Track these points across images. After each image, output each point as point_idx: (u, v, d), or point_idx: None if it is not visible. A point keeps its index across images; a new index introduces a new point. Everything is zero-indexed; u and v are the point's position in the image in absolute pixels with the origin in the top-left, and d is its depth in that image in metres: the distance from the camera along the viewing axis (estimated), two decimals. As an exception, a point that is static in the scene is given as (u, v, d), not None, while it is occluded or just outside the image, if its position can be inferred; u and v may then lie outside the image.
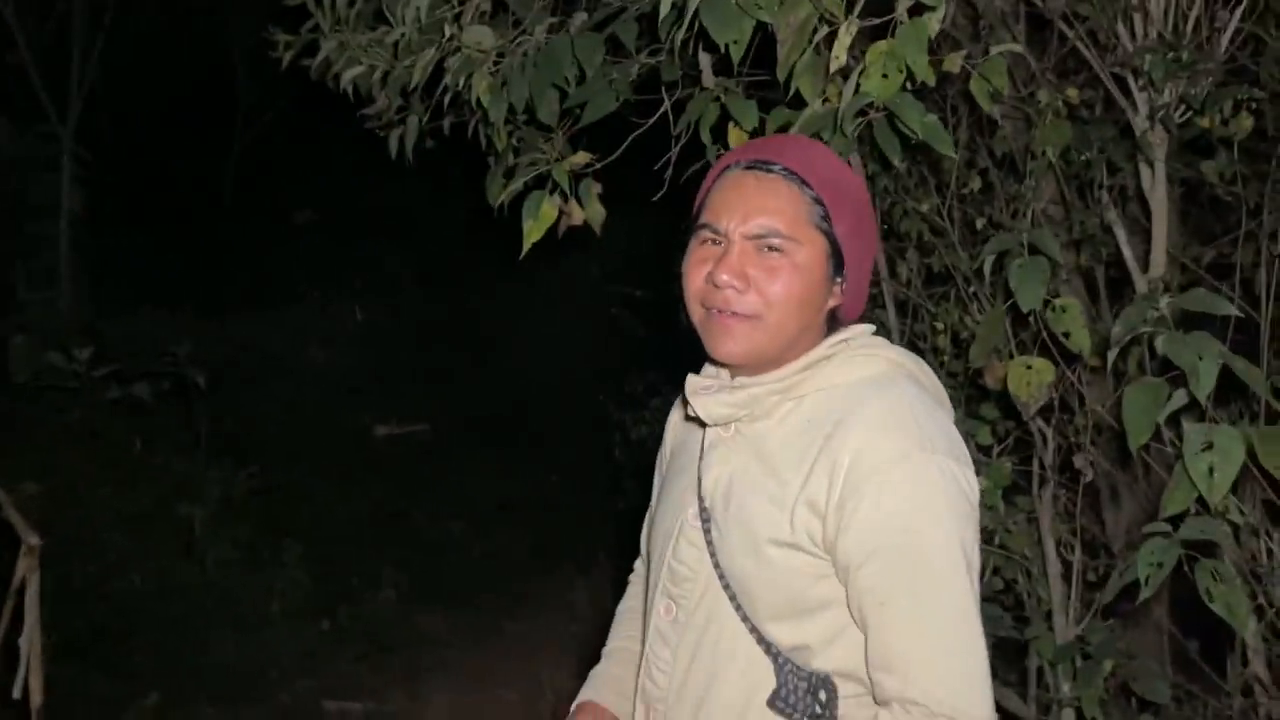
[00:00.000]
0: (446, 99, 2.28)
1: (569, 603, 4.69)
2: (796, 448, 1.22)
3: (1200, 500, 1.53)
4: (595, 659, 1.55)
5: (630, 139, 2.26)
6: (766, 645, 1.23)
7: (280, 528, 5.29)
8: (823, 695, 1.20)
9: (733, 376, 1.31)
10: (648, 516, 1.51)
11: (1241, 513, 1.70)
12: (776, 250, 1.22)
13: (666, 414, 1.56)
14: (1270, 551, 2.02)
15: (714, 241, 1.26)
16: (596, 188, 2.14)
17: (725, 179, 1.27)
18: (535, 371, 6.51)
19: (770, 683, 1.22)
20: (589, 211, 2.11)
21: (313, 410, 6.45)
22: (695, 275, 1.26)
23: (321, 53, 2.54)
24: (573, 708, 1.47)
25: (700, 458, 1.33)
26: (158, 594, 4.72)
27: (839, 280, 1.27)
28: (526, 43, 2.11)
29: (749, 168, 1.25)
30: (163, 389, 5.79)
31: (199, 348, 5.88)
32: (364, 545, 5.26)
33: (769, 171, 1.24)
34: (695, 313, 1.27)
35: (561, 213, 2.07)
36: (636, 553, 1.66)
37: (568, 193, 2.06)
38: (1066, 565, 2.29)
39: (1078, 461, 2.23)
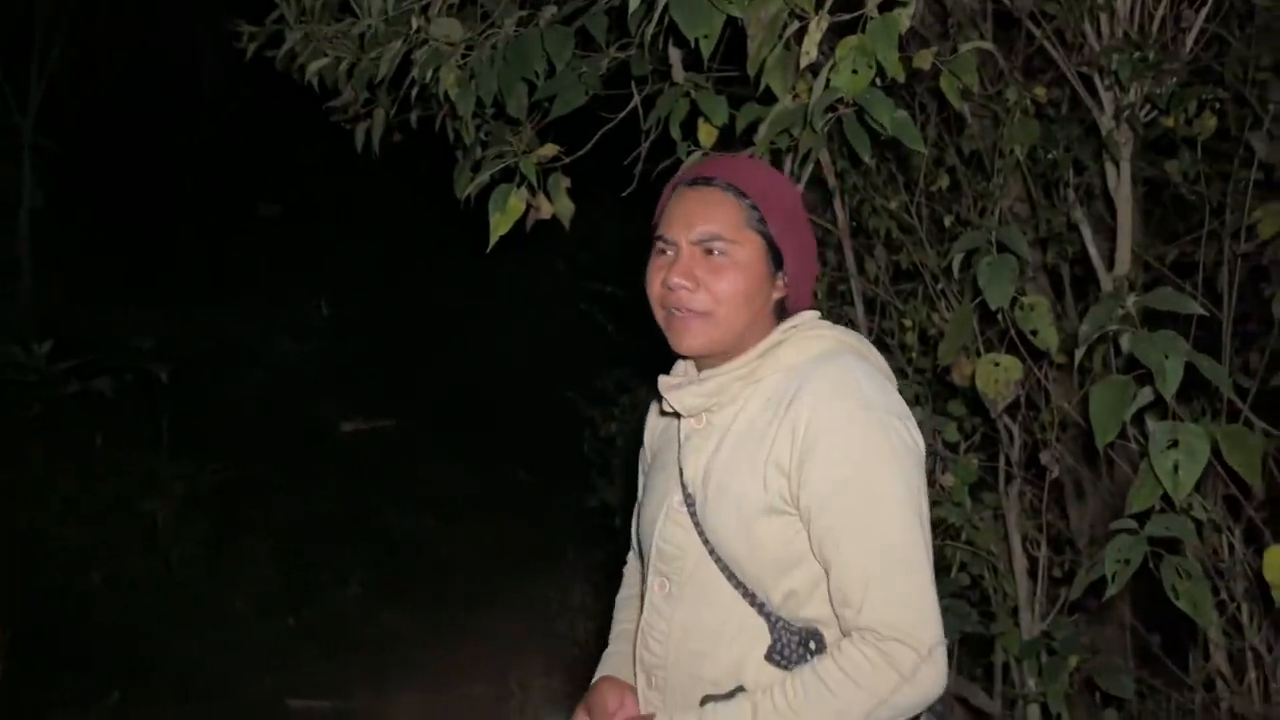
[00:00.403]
0: (414, 92, 2.25)
1: (537, 599, 4.66)
2: (761, 422, 1.38)
3: (1165, 497, 1.54)
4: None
5: (600, 134, 2.25)
6: (759, 606, 1.37)
7: (245, 524, 5.22)
8: (813, 645, 1.34)
9: (699, 370, 1.46)
10: (635, 511, 1.63)
11: (1205, 509, 1.71)
12: (720, 252, 1.39)
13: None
14: (1231, 547, 2.04)
15: (666, 251, 1.42)
16: (565, 182, 2.13)
17: (674, 197, 1.45)
18: (503, 367, 6.47)
19: (764, 640, 1.36)
20: (557, 205, 2.09)
21: (278, 405, 6.38)
22: (654, 281, 1.43)
23: (286, 44, 2.50)
24: (592, 684, 1.57)
25: (679, 451, 1.46)
26: (119, 591, 4.66)
27: (780, 274, 1.43)
28: (495, 36, 2.09)
29: (691, 184, 1.44)
30: (125, 383, 5.70)
31: (162, 341, 5.79)
32: (329, 542, 5.21)
33: (708, 185, 1.42)
34: (658, 315, 1.44)
35: (529, 206, 2.05)
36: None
37: (535, 186, 2.04)
38: (1032, 561, 2.30)
39: (1043, 458, 2.24)
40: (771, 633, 1.36)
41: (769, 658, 1.35)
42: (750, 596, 1.37)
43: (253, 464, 5.71)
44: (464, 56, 2.15)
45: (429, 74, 2.13)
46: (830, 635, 1.35)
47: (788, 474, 1.33)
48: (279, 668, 4.22)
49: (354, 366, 6.84)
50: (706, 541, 1.40)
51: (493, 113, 2.30)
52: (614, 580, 1.76)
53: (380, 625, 4.66)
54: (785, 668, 1.34)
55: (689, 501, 1.43)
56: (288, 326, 6.96)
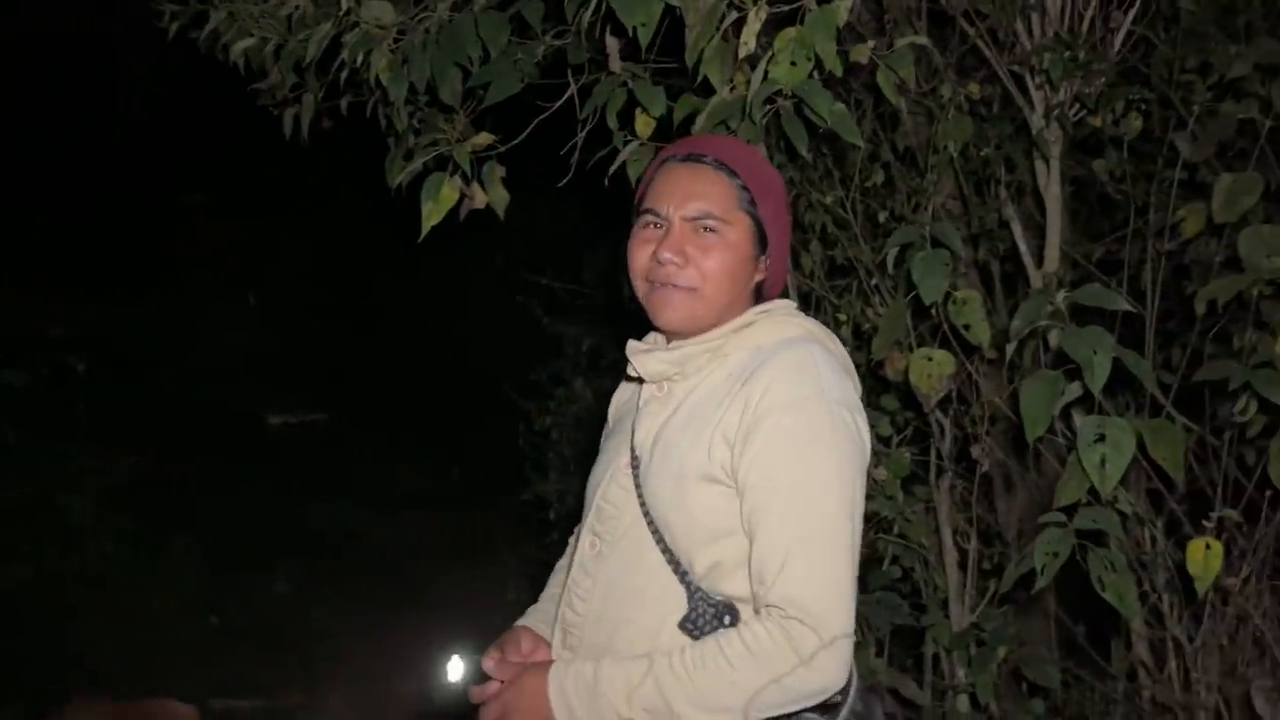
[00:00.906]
0: (343, 76, 2.19)
1: (471, 594, 4.61)
2: (718, 394, 1.39)
3: (1092, 490, 1.57)
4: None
5: (535, 123, 2.21)
6: (682, 575, 1.37)
7: (168, 520, 5.07)
8: (727, 619, 1.34)
9: (668, 342, 1.48)
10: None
11: (1130, 503, 1.75)
12: (711, 230, 1.41)
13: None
14: (1154, 539, 2.09)
15: (656, 225, 1.43)
16: (500, 171, 2.09)
17: (663, 170, 1.46)
18: (436, 360, 6.37)
19: (681, 609, 1.35)
20: (492, 195, 2.06)
21: (203, 398, 6.19)
22: (640, 254, 1.43)
23: (210, 23, 2.42)
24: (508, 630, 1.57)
25: (635, 415, 1.48)
26: (34, 589, 4.49)
27: (763, 258, 1.45)
28: (428, 19, 2.04)
29: (683, 160, 1.44)
30: (40, 376, 5.50)
31: (80, 332, 5.60)
32: (257, 538, 5.08)
33: (701, 163, 1.43)
34: (639, 288, 1.45)
35: (463, 196, 2.01)
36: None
37: (469, 175, 2.01)
38: (962, 554, 2.33)
39: (974, 452, 2.27)
40: (689, 602, 1.36)
41: (682, 625, 1.35)
42: (675, 563, 1.37)
43: (177, 459, 5.55)
44: (396, 41, 2.10)
45: (359, 58, 2.08)
46: (746, 614, 1.35)
47: (732, 445, 1.33)
48: (201, 667, 4.11)
49: (283, 359, 6.68)
50: (643, 504, 1.41)
51: (426, 100, 2.25)
52: (548, 575, 1.75)
53: (309, 623, 4.57)
54: (696, 638, 1.34)
55: (634, 464, 1.44)
56: (213, 318, 6.77)
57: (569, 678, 1.34)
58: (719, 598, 1.35)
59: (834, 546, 1.29)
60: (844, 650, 1.27)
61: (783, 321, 1.44)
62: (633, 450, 1.45)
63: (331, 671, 4.21)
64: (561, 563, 1.69)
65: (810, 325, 1.46)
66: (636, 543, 1.41)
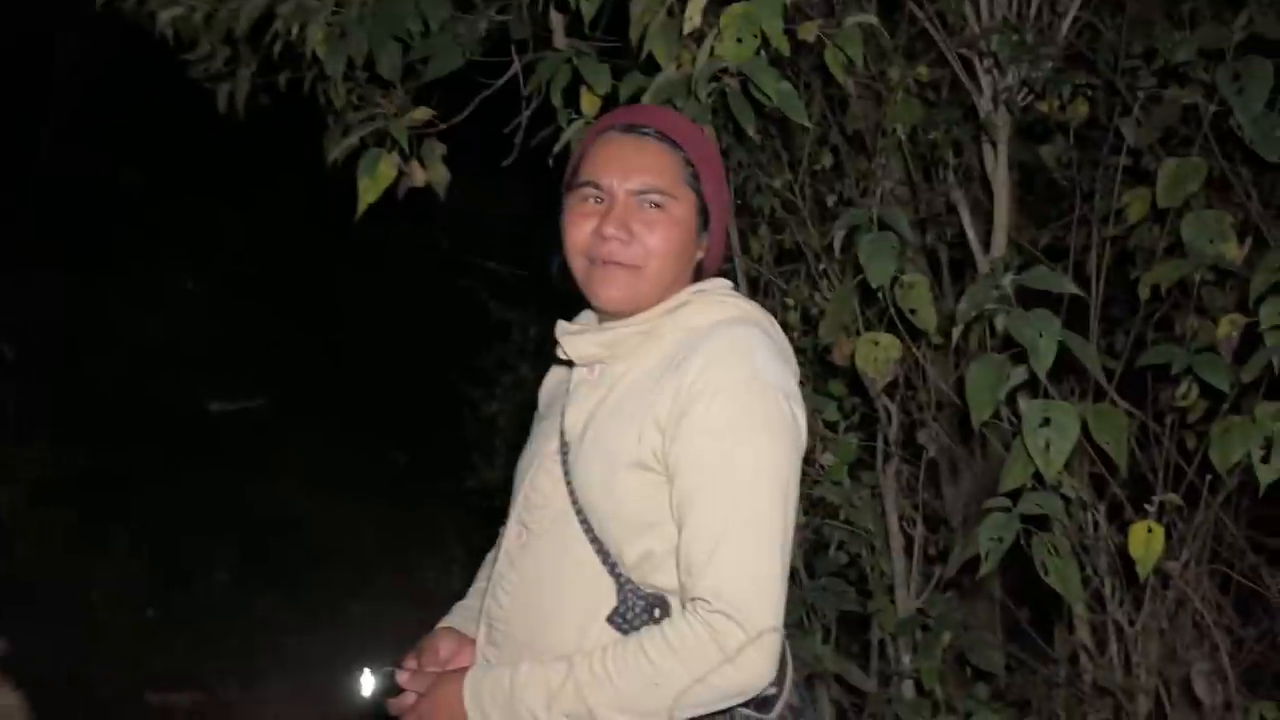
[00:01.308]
0: (277, 48, 2.12)
1: (415, 583, 4.55)
2: (651, 378, 1.33)
3: (1036, 475, 1.56)
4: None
5: (478, 100, 2.16)
6: (611, 566, 1.31)
7: (103, 511, 4.94)
8: (657, 613, 1.29)
9: (600, 323, 1.42)
10: None
11: (1073, 487, 1.75)
12: (657, 205, 1.34)
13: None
14: (1096, 524, 2.10)
15: (597, 199, 1.36)
16: (440, 149, 2.03)
17: (603, 140, 1.39)
18: (380, 345, 6.27)
19: (610, 602, 1.30)
20: (432, 173, 2.00)
21: (139, 385, 6.03)
22: (579, 229, 1.36)
23: (137, -9, 2.33)
24: (432, 631, 1.52)
25: (565, 400, 1.42)
26: (-38, 582, 4.35)
27: (705, 235, 1.40)
28: (366, -8, 1.98)
29: (625, 130, 1.38)
30: (-35, 362, 5.32)
31: (8, 317, 5.42)
32: (195, 528, 4.97)
33: (644, 134, 1.36)
34: (578, 265, 1.38)
35: (402, 173, 1.95)
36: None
37: (407, 151, 1.95)
38: (908, 539, 2.33)
39: (920, 437, 2.27)
40: (619, 594, 1.30)
41: (611, 620, 1.30)
42: (604, 554, 1.32)
43: (111, 448, 5.40)
44: (334, 13, 2.03)
45: (294, 30, 2.01)
46: (676, 607, 1.29)
47: (663, 430, 1.28)
48: (137, 660, 4.02)
49: (223, 344, 6.53)
50: (572, 492, 1.35)
51: (365, 76, 2.19)
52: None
53: (250, 614, 4.48)
54: (626, 632, 1.29)
55: (564, 450, 1.38)
56: (150, 302, 6.60)
57: (484, 686, 1.29)
58: (649, 590, 1.30)
59: (764, 537, 1.24)
60: (771, 645, 1.22)
61: (719, 302, 1.38)
62: (562, 436, 1.39)
63: (273, 663, 4.13)
64: (491, 555, 1.63)
65: (747, 306, 1.41)
66: (564, 533, 1.35)
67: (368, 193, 1.88)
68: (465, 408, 4.38)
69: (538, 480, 1.40)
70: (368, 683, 1.56)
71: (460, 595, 1.62)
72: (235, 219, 7.05)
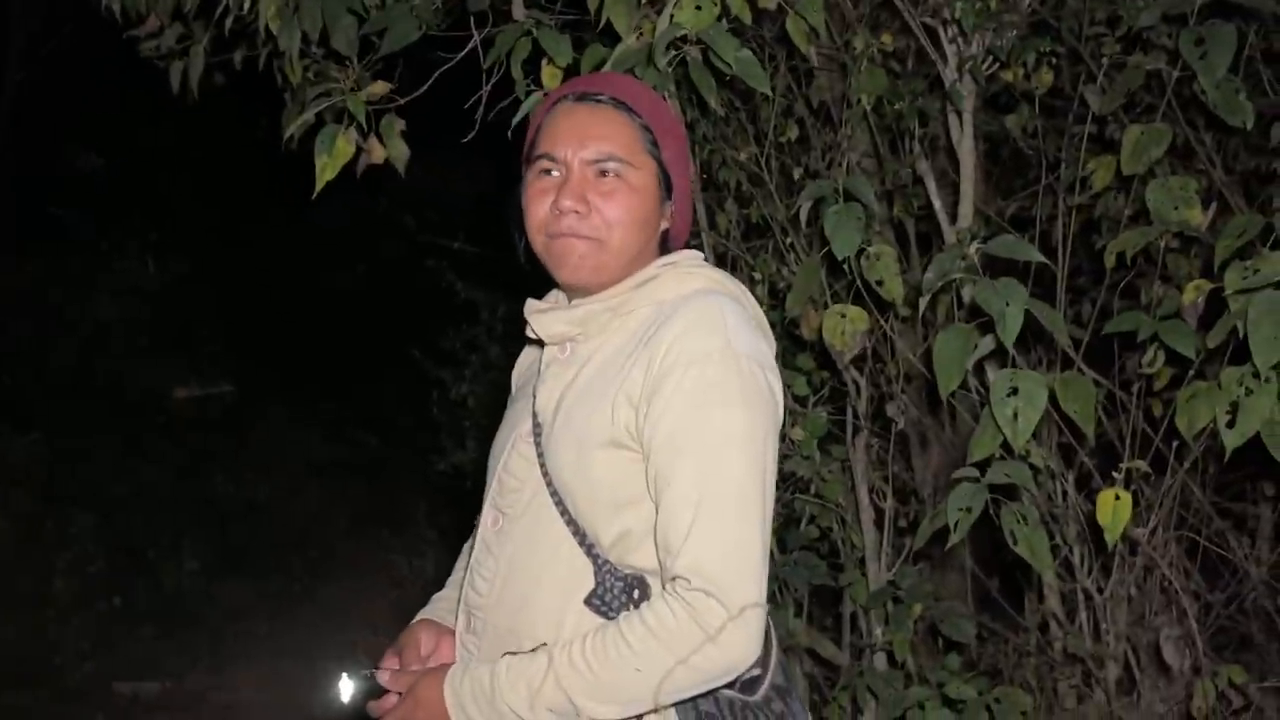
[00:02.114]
0: (229, 24, 2.06)
1: (385, 566, 4.54)
2: (623, 354, 1.30)
3: (1005, 445, 1.56)
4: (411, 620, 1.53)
5: (437, 74, 2.12)
6: (588, 548, 1.28)
7: (67, 498, 4.87)
8: (635, 594, 1.26)
9: (570, 300, 1.38)
10: None
11: (1041, 456, 1.74)
12: (615, 174, 1.30)
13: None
14: (1065, 493, 2.10)
15: (552, 171, 1.32)
16: (400, 124, 1.99)
17: (556, 111, 1.35)
18: (347, 327, 6.21)
19: (588, 584, 1.27)
20: (391, 149, 1.96)
21: (103, 371, 5.95)
22: (538, 205, 1.33)
23: (82, -35, 2.26)
24: (410, 625, 1.49)
25: (536, 379, 1.39)
26: (-79, 575, 4.28)
27: (669, 203, 1.36)
28: (319, -37, 1.93)
29: (579, 99, 1.34)
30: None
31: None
32: (162, 515, 4.93)
33: (599, 102, 1.32)
34: (537, 242, 1.34)
35: (359, 150, 1.91)
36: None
37: (364, 127, 1.90)
38: (879, 512, 2.33)
39: (889, 410, 2.26)
40: (596, 576, 1.27)
41: (589, 602, 1.26)
42: (580, 535, 1.29)
43: (76, 434, 5.33)
44: (286, -14, 1.98)
45: (246, 4, 1.95)
46: (656, 588, 1.26)
47: (635, 406, 1.24)
48: (104, 650, 3.98)
49: (188, 329, 6.45)
50: (546, 473, 1.31)
51: (322, 52, 2.14)
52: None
53: (217, 600, 4.45)
54: (606, 615, 1.26)
55: (537, 431, 1.34)
56: (111, 286, 6.50)
57: (465, 686, 1.25)
58: (627, 570, 1.27)
59: (743, 511, 1.20)
60: (754, 622, 1.18)
61: (689, 274, 1.34)
62: (534, 417, 1.35)
63: (242, 649, 4.11)
64: (467, 545, 1.59)
65: (718, 276, 1.36)
66: (540, 515, 1.32)
67: (325, 170, 1.84)
68: (434, 389, 4.34)
69: (511, 464, 1.37)
70: (346, 688, 1.53)
71: (431, 578, 1.59)
72: (198, 202, 6.95)
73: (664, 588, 1.22)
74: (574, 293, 1.37)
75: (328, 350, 6.14)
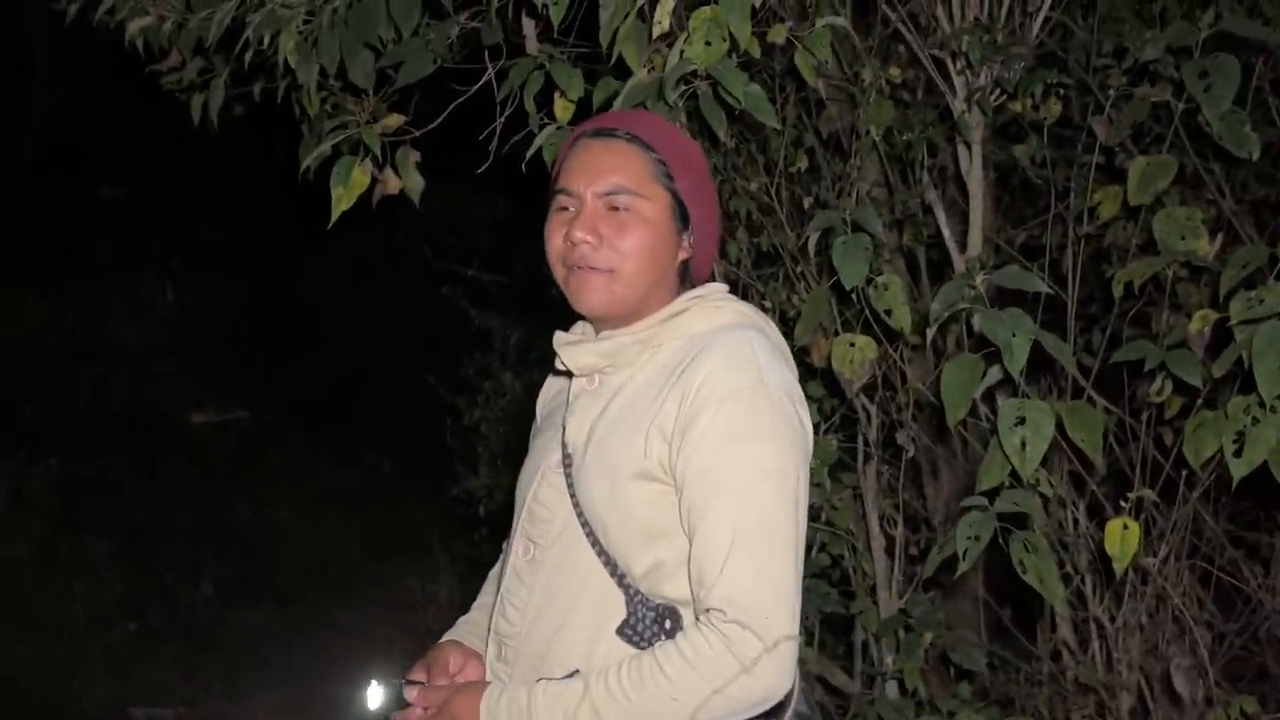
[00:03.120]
0: (248, 57, 2.11)
1: (401, 592, 4.53)
2: (654, 387, 1.32)
3: (1013, 473, 1.56)
4: (428, 648, 1.53)
5: (452, 106, 2.15)
6: (619, 578, 1.30)
7: (84, 524, 4.90)
8: (668, 624, 1.27)
9: (597, 333, 1.41)
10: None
11: (1051, 485, 1.75)
12: (626, 207, 1.33)
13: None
14: (1076, 521, 2.10)
15: (568, 206, 1.36)
16: (414, 156, 2.02)
17: (576, 147, 1.39)
18: (363, 354, 6.25)
19: (619, 614, 1.29)
20: (406, 181, 1.99)
21: (121, 397, 6.01)
22: (555, 237, 1.36)
23: (105, 2, 2.31)
24: (436, 645, 1.50)
25: (565, 411, 1.41)
26: (-58, 599, 4.32)
27: (687, 234, 1.38)
28: None
29: (595, 135, 1.38)
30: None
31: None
32: (178, 540, 4.94)
33: (613, 137, 1.36)
34: (558, 273, 1.37)
35: (375, 181, 1.94)
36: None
37: (379, 158, 1.94)
38: (890, 540, 2.33)
39: (899, 438, 2.27)
40: (628, 606, 1.29)
41: (621, 632, 1.29)
42: (612, 566, 1.30)
43: (93, 460, 5.37)
44: (305, 21, 2.02)
45: (266, 39, 2.00)
46: (688, 618, 1.28)
47: (669, 440, 1.26)
48: (120, 675, 3.99)
49: (205, 356, 6.51)
50: (576, 504, 1.33)
51: (339, 85, 2.18)
52: (479, 571, 1.69)
53: (234, 626, 4.46)
54: (638, 645, 1.28)
55: (566, 462, 1.37)
56: (131, 313, 6.57)
57: (502, 706, 1.26)
58: (659, 601, 1.29)
59: (777, 543, 1.23)
60: (788, 654, 1.21)
61: (717, 307, 1.37)
62: (564, 448, 1.38)
63: (258, 676, 4.11)
64: (495, 570, 1.61)
65: (745, 309, 1.39)
66: (571, 546, 1.34)
67: (341, 201, 1.87)
68: (448, 415, 4.36)
69: (541, 494, 1.39)
70: (375, 695, 1.54)
71: (444, 603, 1.60)
72: (216, 230, 7.03)
73: (698, 619, 1.24)
74: (602, 325, 1.39)
75: (343, 376, 6.18)
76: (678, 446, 1.26)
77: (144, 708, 3.86)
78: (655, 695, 1.20)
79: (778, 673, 1.20)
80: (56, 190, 7.66)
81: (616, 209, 1.33)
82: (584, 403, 1.38)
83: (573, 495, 1.34)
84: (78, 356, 6.22)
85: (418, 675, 1.42)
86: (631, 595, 1.29)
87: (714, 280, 1.46)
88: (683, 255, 1.39)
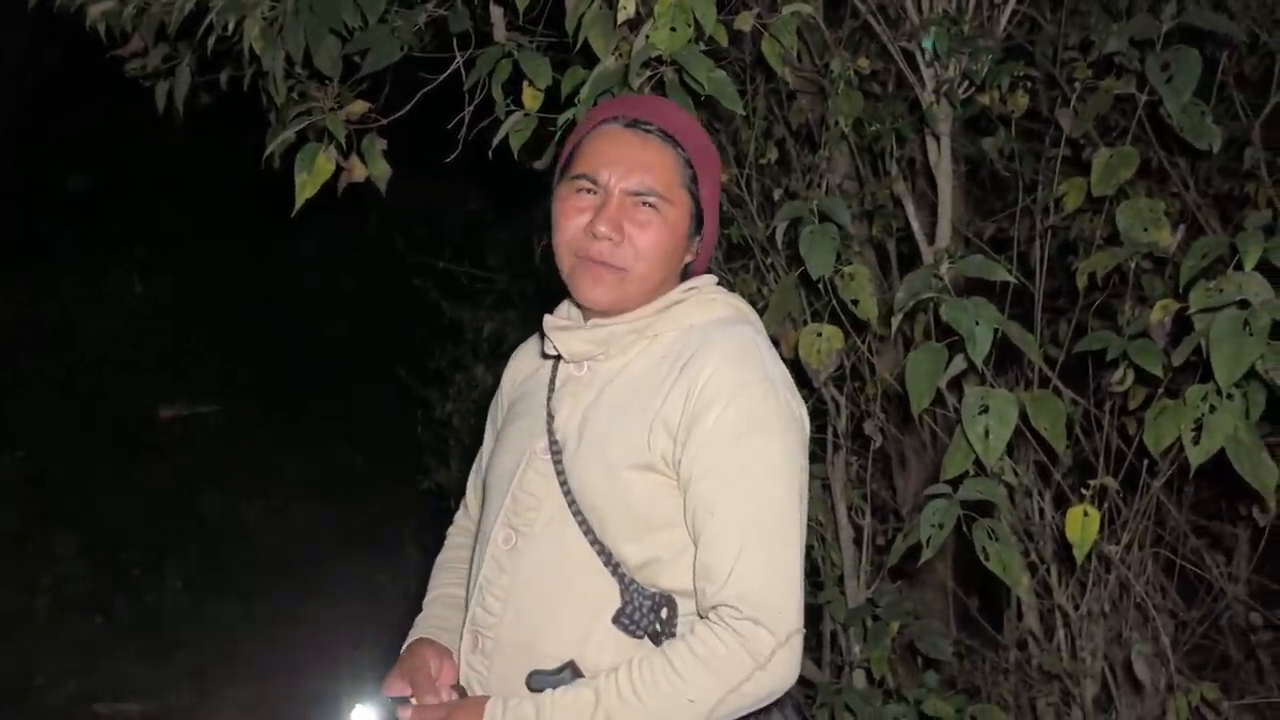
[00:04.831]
0: (210, 43, 2.08)
1: (371, 587, 4.51)
2: (655, 377, 1.31)
3: (978, 462, 1.57)
4: (401, 644, 1.50)
5: (419, 95, 2.14)
6: (614, 567, 1.29)
7: (50, 516, 4.85)
8: (664, 613, 1.27)
9: (586, 319, 1.39)
10: (476, 464, 1.55)
11: (1016, 474, 1.76)
12: (652, 207, 1.31)
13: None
14: (1041, 511, 2.12)
15: (590, 191, 1.33)
16: (381, 144, 2.01)
17: (602, 133, 1.34)
18: (333, 347, 6.21)
19: (614, 603, 1.28)
20: (372, 168, 1.98)
21: (88, 390, 5.93)
22: (570, 223, 1.33)
23: (65, -15, 2.28)
24: (404, 649, 1.46)
25: (550, 396, 1.39)
26: (-95, 594, 4.26)
27: (698, 238, 1.38)
28: (302, -15, 1.95)
29: (628, 125, 1.34)
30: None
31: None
32: (147, 534, 4.90)
33: (648, 132, 1.33)
34: (565, 260, 1.35)
35: (340, 168, 1.93)
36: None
37: (344, 146, 1.92)
38: (857, 530, 2.34)
39: (868, 428, 2.28)
40: (623, 595, 1.28)
41: (617, 620, 1.27)
42: (606, 555, 1.29)
43: (61, 453, 5.31)
44: (270, 7, 2.00)
45: (230, 25, 1.97)
46: (684, 607, 1.28)
47: (674, 434, 1.26)
48: (86, 670, 3.94)
49: (174, 348, 6.44)
50: (569, 493, 1.32)
51: (306, 73, 2.16)
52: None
53: (203, 620, 4.42)
54: (633, 633, 1.27)
55: (555, 449, 1.34)
56: (98, 305, 6.49)
57: None
58: (654, 590, 1.28)
59: (785, 538, 1.24)
60: (798, 646, 1.23)
61: (711, 300, 1.37)
62: (551, 434, 1.35)
63: (226, 671, 4.07)
64: (442, 558, 1.59)
65: (738, 303, 1.40)
66: (560, 534, 1.31)
67: (305, 187, 1.85)
68: (419, 409, 4.34)
69: (527, 481, 1.36)
70: (363, 718, 1.51)
71: (415, 597, 1.57)
72: (185, 221, 6.96)
73: (706, 614, 1.24)
74: (592, 312, 1.38)
75: (313, 369, 6.14)
76: (683, 441, 1.25)
77: (110, 703, 3.82)
78: (671, 697, 1.20)
79: (790, 665, 1.22)
80: (23, 181, 7.56)
81: (643, 207, 1.32)
82: (573, 389, 1.37)
83: (563, 483, 1.32)
84: (45, 347, 6.15)
85: (399, 687, 1.38)
86: (626, 584, 1.28)
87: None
88: (689, 258, 1.39)
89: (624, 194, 1.31)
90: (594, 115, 1.39)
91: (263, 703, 3.88)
